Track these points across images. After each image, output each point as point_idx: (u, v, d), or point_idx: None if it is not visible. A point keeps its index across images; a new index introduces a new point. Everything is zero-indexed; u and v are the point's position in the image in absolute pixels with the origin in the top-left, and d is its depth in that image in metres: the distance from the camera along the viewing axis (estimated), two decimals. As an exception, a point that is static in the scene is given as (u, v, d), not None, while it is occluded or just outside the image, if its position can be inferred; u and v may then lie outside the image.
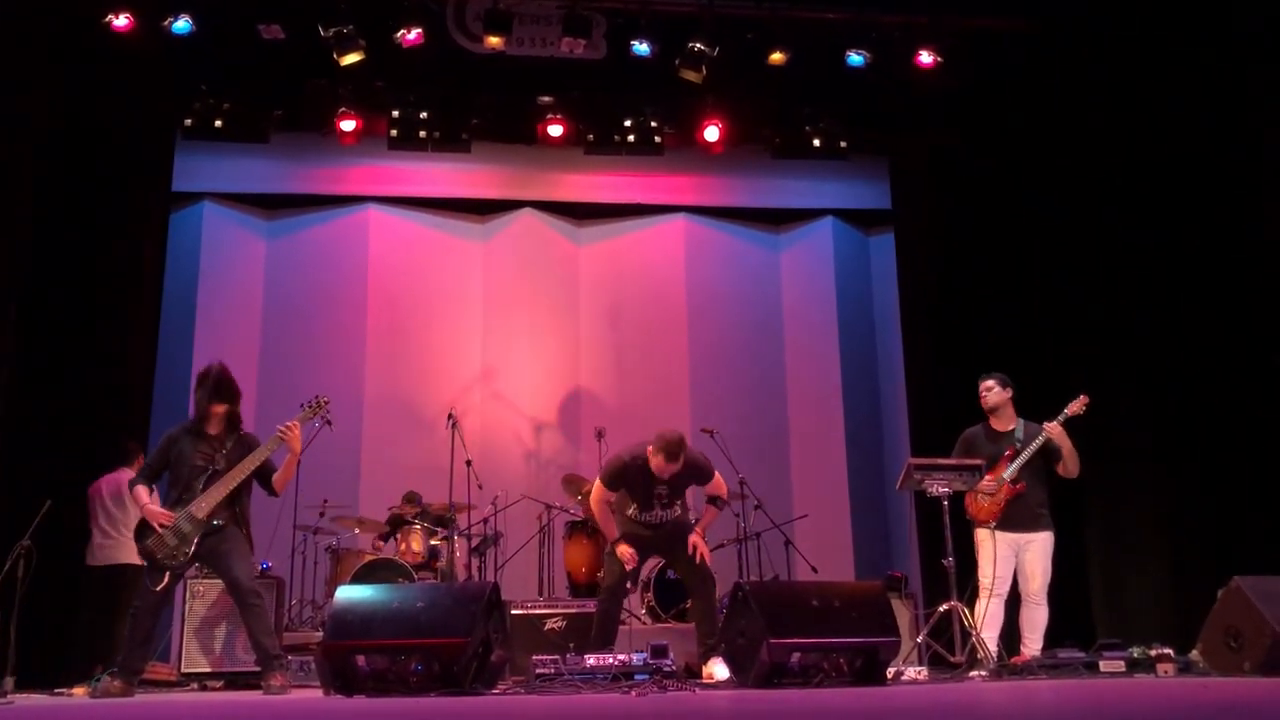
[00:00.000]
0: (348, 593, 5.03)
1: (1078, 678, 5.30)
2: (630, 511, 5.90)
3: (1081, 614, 7.54)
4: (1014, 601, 6.07)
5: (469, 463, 7.90)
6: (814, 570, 7.68)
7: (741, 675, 5.01)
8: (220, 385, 5.62)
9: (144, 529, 5.47)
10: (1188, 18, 7.34)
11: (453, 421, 7.92)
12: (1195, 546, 7.22)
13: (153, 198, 8.25)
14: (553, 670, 5.04)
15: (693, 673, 5.73)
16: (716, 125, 8.99)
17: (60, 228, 7.68)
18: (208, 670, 6.35)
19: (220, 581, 5.84)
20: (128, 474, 6.02)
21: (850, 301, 9.95)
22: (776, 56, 8.13)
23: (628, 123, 8.94)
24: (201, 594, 6.44)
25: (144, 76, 8.05)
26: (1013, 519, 6.03)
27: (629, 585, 6.01)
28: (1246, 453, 7.04)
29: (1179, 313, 7.44)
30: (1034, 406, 6.23)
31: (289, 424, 5.61)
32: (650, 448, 5.70)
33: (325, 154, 9.32)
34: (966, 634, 5.70)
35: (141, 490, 5.54)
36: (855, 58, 8.20)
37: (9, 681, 5.59)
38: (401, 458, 9.00)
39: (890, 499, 9.44)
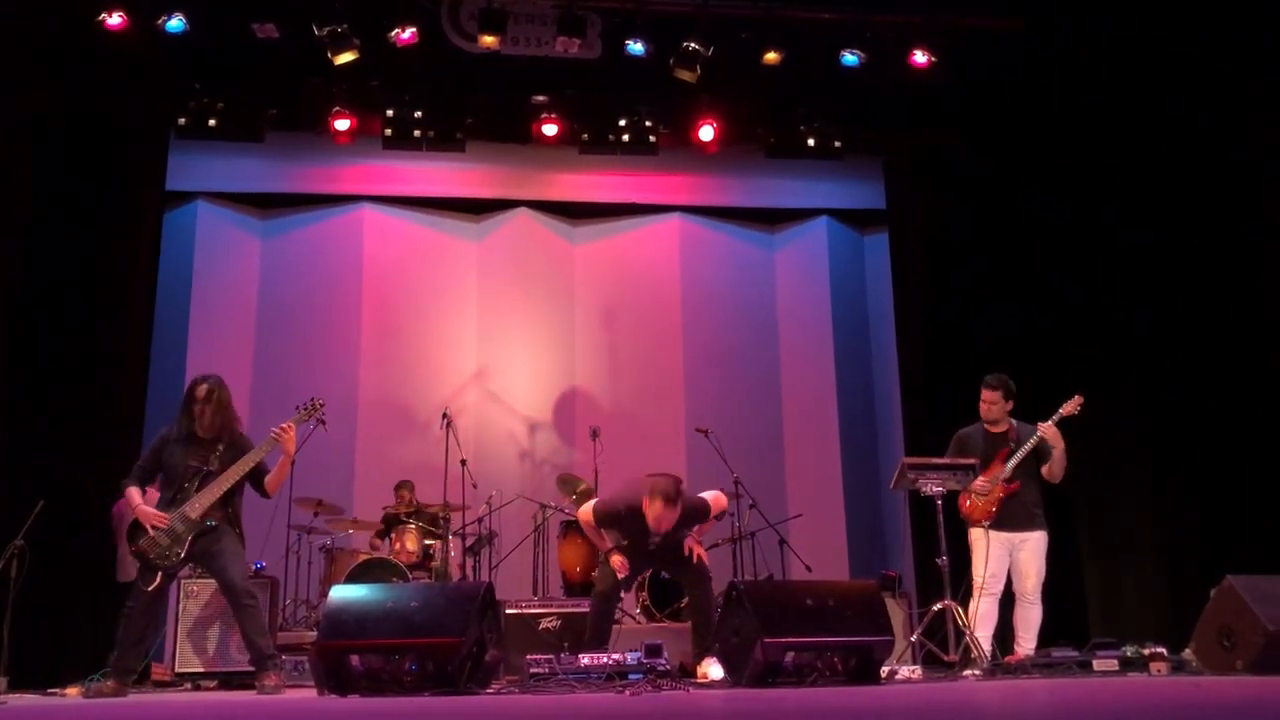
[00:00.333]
0: (342, 592, 5.02)
1: (1071, 677, 5.31)
2: (624, 543, 5.84)
3: (1075, 613, 7.54)
4: (1008, 601, 6.08)
5: (464, 462, 7.90)
6: (808, 569, 7.69)
7: (736, 674, 5.01)
8: (218, 412, 5.58)
9: (136, 530, 5.45)
10: (1187, 17, 7.35)
11: (447, 421, 7.93)
12: (1189, 546, 7.24)
13: (147, 197, 8.23)
14: (547, 670, 5.03)
15: (687, 672, 5.73)
16: (711, 125, 9.00)
17: (53, 226, 7.65)
18: (201, 670, 6.34)
19: (214, 581, 5.83)
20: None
21: (845, 301, 9.96)
22: (771, 56, 8.14)
23: (622, 122, 8.94)
24: (195, 594, 6.42)
25: (138, 75, 8.03)
26: (1007, 518, 6.03)
27: (622, 592, 5.99)
28: (1240, 452, 7.06)
29: (1175, 313, 7.46)
30: (1029, 407, 6.23)
31: (283, 426, 5.59)
32: (645, 498, 5.56)
33: (320, 153, 9.30)
34: (960, 633, 5.72)
35: (133, 491, 5.52)
36: (850, 58, 8.20)
37: (2, 681, 5.58)
38: (396, 457, 9.00)
39: (885, 498, 9.46)
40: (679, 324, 9.72)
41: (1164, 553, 7.38)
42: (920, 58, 8.19)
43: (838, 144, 9.13)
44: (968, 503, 6.11)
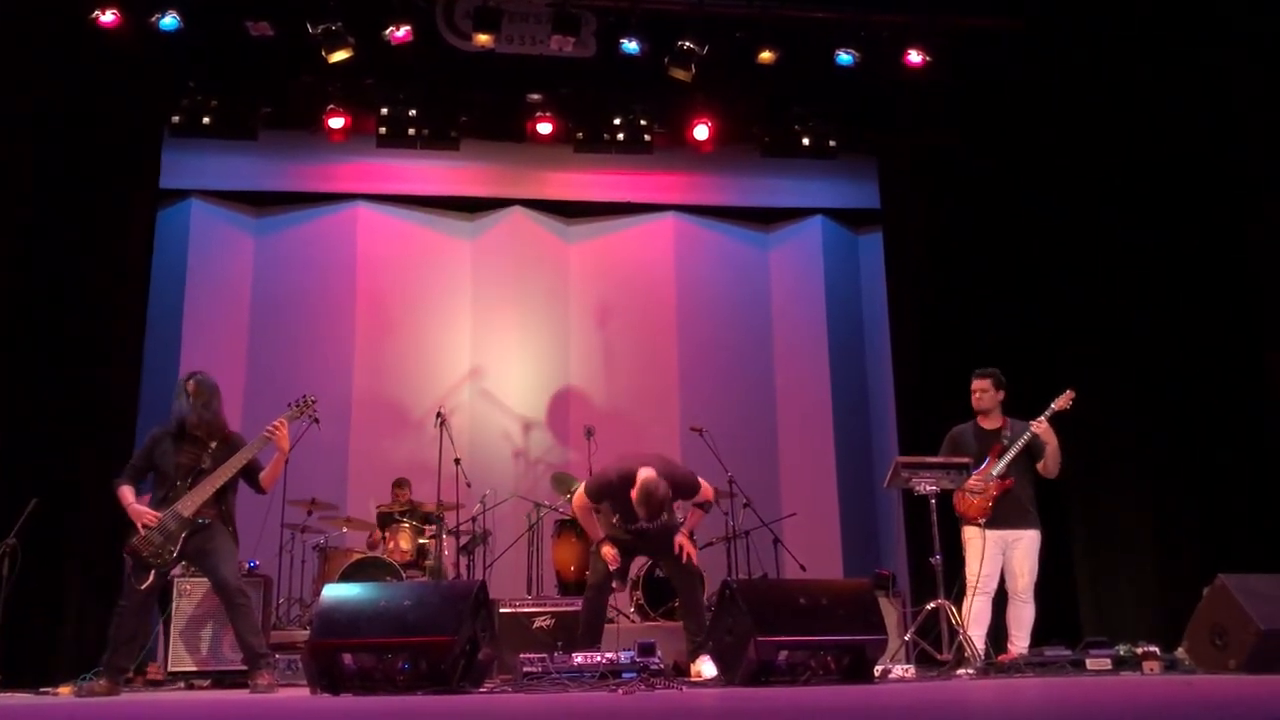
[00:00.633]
0: (335, 591, 5.02)
1: (1064, 675, 5.31)
2: (615, 520, 5.88)
3: (1068, 612, 7.55)
4: (1001, 599, 6.08)
5: (457, 461, 7.89)
6: (802, 568, 7.69)
7: (729, 673, 5.02)
8: (201, 419, 5.57)
9: (129, 528, 5.44)
10: (1186, 17, 7.36)
11: (441, 420, 7.92)
12: (1181, 544, 7.25)
13: (140, 195, 8.20)
14: (540, 669, 5.04)
15: (680, 671, 5.74)
16: (706, 124, 9.00)
17: (47, 224, 7.63)
18: (194, 669, 6.33)
19: (207, 580, 5.82)
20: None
21: (839, 300, 9.97)
22: (766, 55, 8.13)
23: (617, 121, 8.92)
24: (188, 592, 6.41)
25: (131, 73, 8.01)
26: (1001, 516, 6.04)
27: (615, 584, 6.00)
28: (1234, 451, 7.08)
29: (1175, 313, 7.46)
30: (1028, 407, 6.22)
31: (276, 423, 5.60)
32: (635, 487, 5.55)
33: (314, 151, 9.29)
34: (954, 632, 5.72)
35: (126, 490, 5.50)
36: (845, 57, 8.20)
37: (-6, 680, 5.57)
38: (390, 456, 9.00)
39: (878, 497, 9.46)
40: (674, 323, 9.71)
41: (1157, 551, 7.39)
42: (915, 57, 8.19)
43: (832, 143, 9.13)
44: (962, 501, 6.12)
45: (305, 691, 5.11)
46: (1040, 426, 5.99)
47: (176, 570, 5.99)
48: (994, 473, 6.04)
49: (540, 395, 9.57)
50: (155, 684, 6.21)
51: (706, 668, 5.47)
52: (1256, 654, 5.11)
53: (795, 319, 9.90)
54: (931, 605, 5.82)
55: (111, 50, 7.75)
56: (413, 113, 8.69)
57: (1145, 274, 7.65)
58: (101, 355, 7.74)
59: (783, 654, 4.82)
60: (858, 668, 4.95)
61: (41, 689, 5.90)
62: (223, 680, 6.28)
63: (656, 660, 5.13)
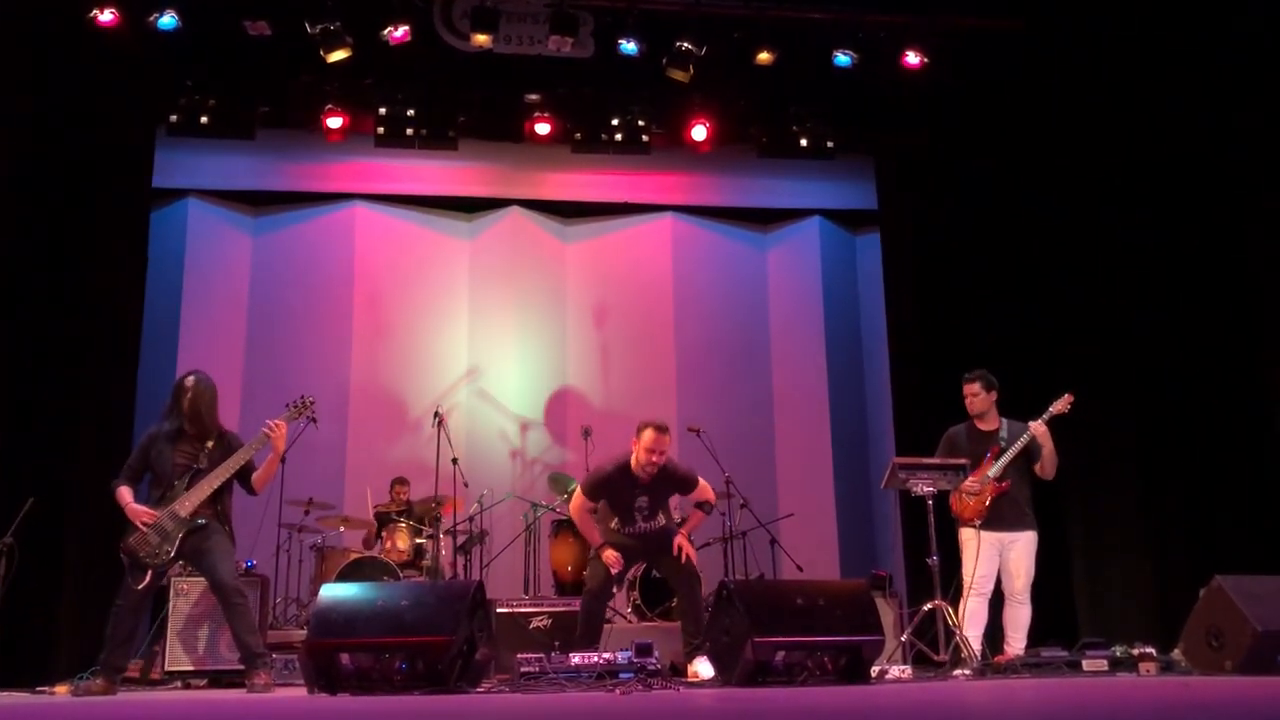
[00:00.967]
0: (332, 591, 5.02)
1: (1060, 676, 5.32)
2: (613, 524, 5.88)
3: (1065, 613, 7.56)
4: (997, 600, 6.09)
5: (455, 461, 7.89)
6: (799, 569, 7.69)
7: (726, 674, 5.02)
8: (198, 416, 5.57)
9: (126, 527, 5.43)
10: (1187, 17, 7.36)
11: (438, 419, 7.92)
12: (1178, 546, 7.26)
13: (137, 195, 8.19)
14: (537, 669, 5.03)
15: (677, 671, 5.74)
16: (704, 124, 9.00)
17: (45, 224, 7.62)
18: (191, 669, 6.33)
19: (204, 580, 5.81)
20: None
21: (836, 301, 9.97)
22: (764, 56, 8.14)
23: (615, 121, 8.93)
24: (185, 592, 6.41)
25: (129, 72, 8.00)
26: (997, 518, 6.04)
27: (614, 589, 6.00)
28: (1232, 453, 7.08)
29: (1175, 313, 7.46)
30: (1027, 408, 6.23)
31: (274, 423, 5.59)
32: (634, 440, 5.69)
33: (311, 151, 9.28)
34: (951, 633, 5.72)
35: (124, 490, 5.50)
36: (842, 58, 8.20)
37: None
38: (387, 455, 9.00)
39: (875, 498, 9.47)
40: (671, 323, 9.72)
41: (1154, 552, 7.39)
42: (913, 58, 8.20)
43: (830, 144, 9.14)
44: (959, 502, 6.12)
45: (302, 691, 5.11)
46: (1038, 429, 6.00)
47: (174, 570, 5.98)
48: (990, 474, 6.04)
49: (538, 395, 9.57)
50: (152, 683, 6.20)
51: (703, 668, 5.47)
52: (1253, 655, 5.11)
53: (793, 320, 9.91)
54: (928, 606, 5.83)
55: (110, 49, 7.74)
56: (411, 113, 8.69)
57: (1145, 274, 7.65)
58: (98, 355, 7.73)
59: (780, 654, 4.82)
60: (854, 668, 4.96)
61: (38, 688, 5.89)
62: (219, 680, 6.27)
63: (654, 661, 5.13)
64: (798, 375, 9.78)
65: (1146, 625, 6.95)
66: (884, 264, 9.21)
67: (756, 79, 8.50)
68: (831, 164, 9.46)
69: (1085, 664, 5.45)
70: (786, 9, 8.22)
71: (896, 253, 9.08)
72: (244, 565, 6.70)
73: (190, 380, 5.60)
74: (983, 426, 6.22)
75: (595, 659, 5.12)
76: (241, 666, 5.57)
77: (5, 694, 5.71)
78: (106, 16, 7.55)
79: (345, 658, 4.66)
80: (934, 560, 5.85)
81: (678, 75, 8.13)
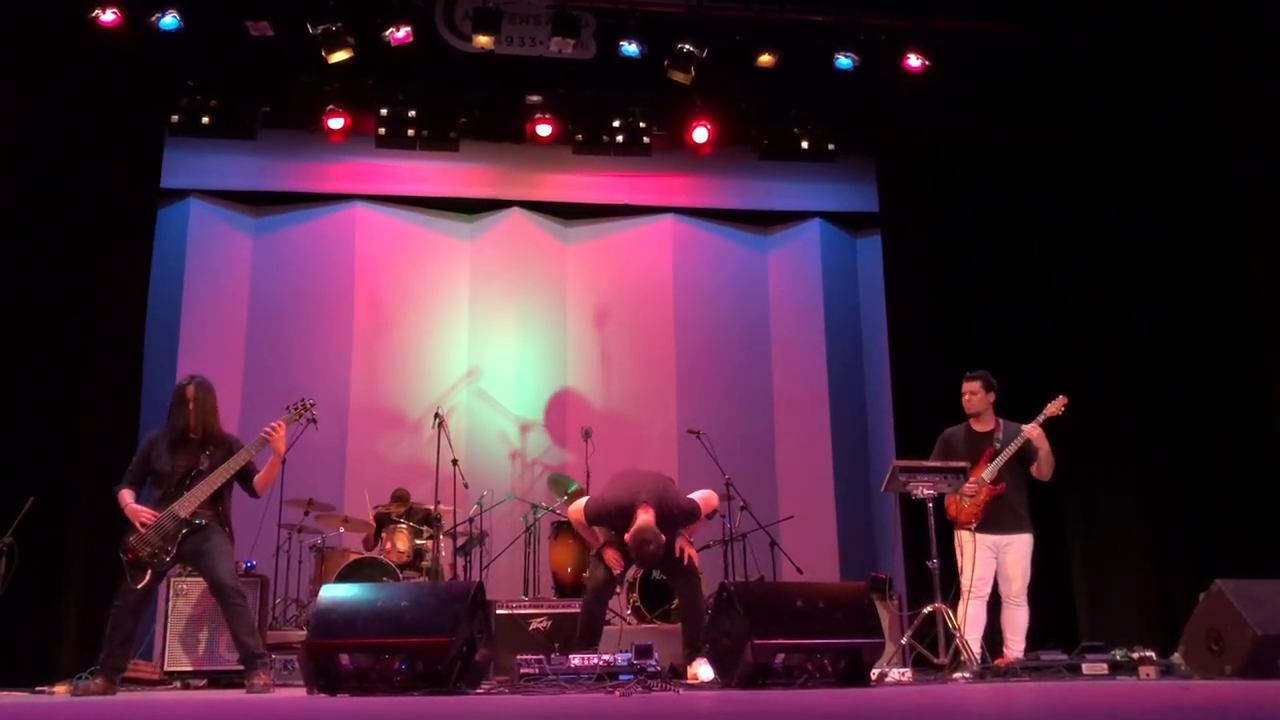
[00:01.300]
0: (332, 591, 5.01)
1: (1060, 680, 5.32)
2: (612, 537, 5.85)
3: (1065, 616, 7.56)
4: (995, 603, 6.08)
5: (455, 462, 7.89)
6: (799, 571, 7.69)
7: (726, 676, 5.01)
8: (199, 421, 5.56)
9: (126, 527, 5.44)
10: (1186, 18, 7.37)
11: (439, 420, 7.91)
12: (1179, 549, 7.26)
13: (139, 195, 8.18)
14: (537, 670, 5.03)
15: (677, 673, 5.73)
16: (705, 126, 9.01)
17: (47, 224, 7.62)
18: (190, 669, 6.32)
19: (203, 580, 5.81)
20: None
21: (837, 303, 9.97)
22: (765, 58, 8.14)
23: (616, 123, 8.94)
24: (184, 592, 6.41)
25: (131, 73, 8.00)
26: (992, 521, 6.04)
27: (614, 589, 6.00)
28: (1233, 454, 7.07)
29: (1175, 313, 7.46)
30: (1025, 408, 6.23)
31: (274, 425, 5.60)
32: (631, 530, 5.50)
33: (312, 151, 9.28)
34: (951, 636, 5.72)
35: (126, 493, 5.52)
36: (843, 60, 8.21)
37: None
38: (387, 457, 9.00)
39: (875, 500, 9.46)
40: (671, 325, 9.71)
41: (1154, 555, 7.39)
42: (914, 61, 8.20)
43: (831, 146, 9.15)
44: (954, 504, 6.11)
45: (302, 692, 5.11)
46: (1033, 432, 6.00)
47: (174, 570, 5.98)
48: (985, 477, 6.03)
49: (538, 397, 9.56)
50: (151, 683, 6.20)
51: (703, 670, 5.46)
52: (1253, 659, 5.11)
53: (793, 322, 9.91)
54: (928, 609, 5.82)
55: (111, 50, 7.74)
56: (412, 113, 8.71)
57: (1145, 274, 7.65)
58: (102, 355, 7.73)
59: (779, 657, 4.82)
60: (854, 671, 4.95)
61: (38, 688, 5.90)
62: (219, 680, 6.27)
63: (653, 662, 5.13)
64: (798, 378, 9.78)
65: (1147, 629, 6.95)
66: (885, 265, 9.20)
67: (758, 81, 8.50)
68: (832, 166, 9.47)
69: (1085, 667, 5.45)
70: (788, 11, 8.23)
71: (897, 254, 9.07)
72: (243, 566, 6.71)
73: (191, 385, 5.60)
74: (978, 428, 6.21)
75: (595, 661, 5.12)
76: (241, 667, 5.57)
77: (5, 694, 5.71)
78: (108, 17, 7.55)
79: (345, 658, 4.65)
80: (934, 563, 5.85)
81: (679, 77, 8.13)
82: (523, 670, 5.03)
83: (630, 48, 8.04)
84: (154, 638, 6.78)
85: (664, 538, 5.54)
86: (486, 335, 9.58)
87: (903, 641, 5.93)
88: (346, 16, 7.78)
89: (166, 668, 6.31)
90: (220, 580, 5.45)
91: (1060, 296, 8.16)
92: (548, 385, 9.60)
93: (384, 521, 7.94)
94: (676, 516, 5.71)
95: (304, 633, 5.73)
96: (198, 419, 5.53)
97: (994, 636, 6.09)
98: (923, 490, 5.91)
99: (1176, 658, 5.52)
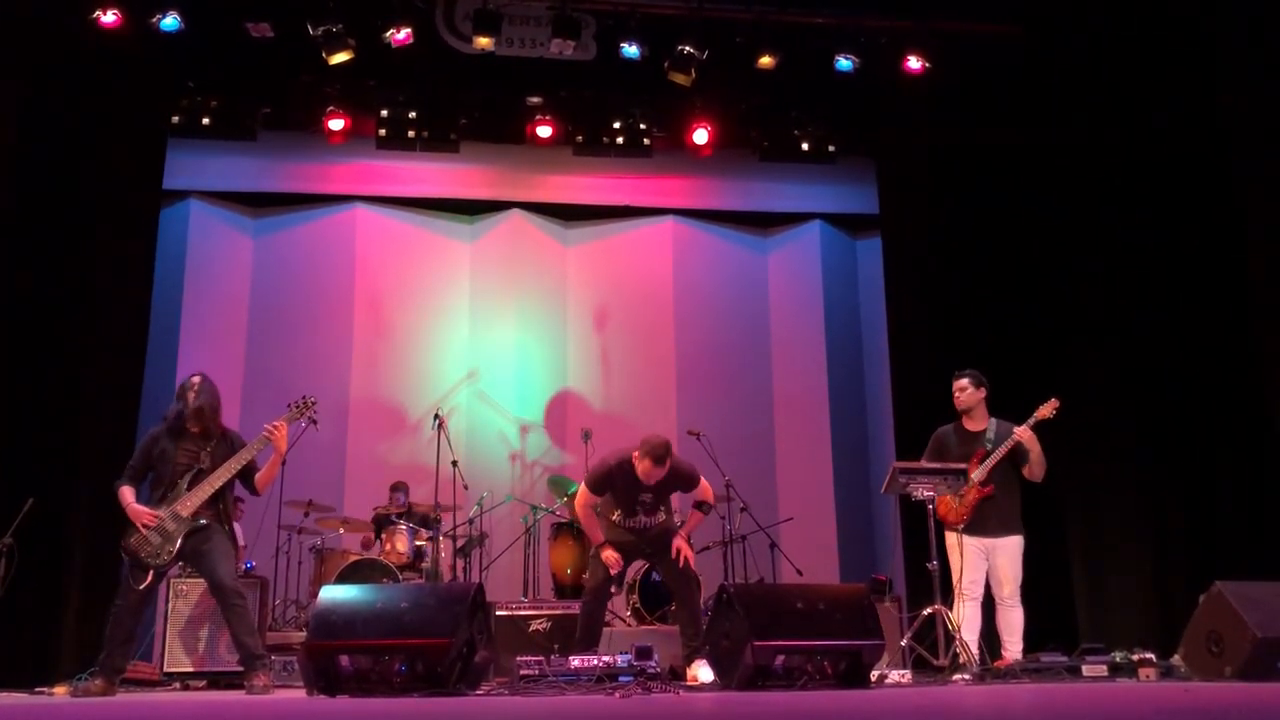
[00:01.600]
0: (332, 592, 5.01)
1: (1060, 681, 5.32)
2: (614, 516, 5.90)
3: (1065, 617, 7.55)
4: (991, 604, 6.08)
5: (455, 463, 7.89)
6: (799, 573, 7.68)
7: (725, 677, 5.01)
8: (200, 411, 5.57)
9: (127, 528, 5.44)
10: (1186, 18, 7.36)
11: (439, 422, 7.91)
12: (1179, 550, 7.25)
13: (141, 195, 8.19)
14: (537, 671, 5.03)
15: (677, 675, 5.73)
16: (705, 128, 9.01)
17: (49, 225, 7.62)
18: (190, 670, 6.32)
19: (204, 580, 5.81)
20: None
21: (837, 305, 9.97)
22: (766, 60, 8.14)
23: (616, 124, 8.95)
24: (184, 593, 6.41)
25: (132, 73, 8.01)
26: (980, 523, 6.01)
27: (613, 589, 6.01)
28: (1233, 455, 7.07)
29: (1175, 313, 7.46)
30: (1024, 408, 6.21)
31: (275, 423, 5.59)
32: (636, 453, 5.67)
33: (313, 152, 9.29)
34: (950, 637, 5.72)
35: (126, 490, 5.50)
36: (844, 62, 8.21)
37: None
38: (387, 458, 9.00)
39: (875, 502, 9.46)
40: (671, 327, 9.71)
41: (1154, 557, 7.39)
42: (915, 63, 8.21)
43: (831, 148, 9.16)
44: (943, 505, 6.09)
45: (301, 693, 5.11)
46: (1024, 434, 5.98)
47: (173, 571, 5.98)
48: (974, 478, 6.02)
49: (538, 398, 9.57)
50: (151, 684, 6.20)
51: (703, 672, 5.46)
52: (1252, 661, 5.11)
53: (793, 324, 9.91)
54: (928, 610, 5.82)
55: (112, 51, 7.75)
56: (412, 115, 8.72)
57: (1145, 274, 7.65)
58: (102, 355, 7.73)
59: (779, 658, 4.82)
60: (854, 672, 4.95)
61: (37, 689, 5.89)
62: (218, 681, 6.27)
63: (653, 664, 5.13)
64: (798, 379, 9.78)
65: (1146, 630, 6.94)
66: (885, 266, 9.20)
67: (758, 83, 8.51)
68: (832, 168, 9.48)
69: (1085, 669, 5.45)
70: (788, 13, 8.23)
71: (897, 255, 9.07)
72: (243, 566, 6.71)
73: (195, 380, 5.61)
74: (970, 426, 6.20)
75: (595, 662, 5.12)
76: (240, 668, 5.57)
77: (5, 694, 5.71)
78: (109, 18, 7.56)
79: (344, 659, 4.66)
80: (934, 565, 5.84)
81: (679, 78, 8.14)
82: (522, 672, 5.03)
83: (630, 49, 8.05)
84: (154, 638, 6.78)
85: (666, 468, 5.63)
86: (486, 336, 9.58)
87: (902, 643, 5.92)
88: (347, 18, 7.78)
89: (166, 668, 6.30)
90: (220, 581, 5.45)
91: (1060, 296, 8.17)
92: (548, 386, 9.60)
93: (383, 522, 7.95)
94: (678, 476, 5.78)
95: (304, 634, 5.73)
96: (200, 414, 5.53)
97: (993, 638, 6.08)
98: (923, 492, 5.90)
99: (1176, 659, 5.52)
